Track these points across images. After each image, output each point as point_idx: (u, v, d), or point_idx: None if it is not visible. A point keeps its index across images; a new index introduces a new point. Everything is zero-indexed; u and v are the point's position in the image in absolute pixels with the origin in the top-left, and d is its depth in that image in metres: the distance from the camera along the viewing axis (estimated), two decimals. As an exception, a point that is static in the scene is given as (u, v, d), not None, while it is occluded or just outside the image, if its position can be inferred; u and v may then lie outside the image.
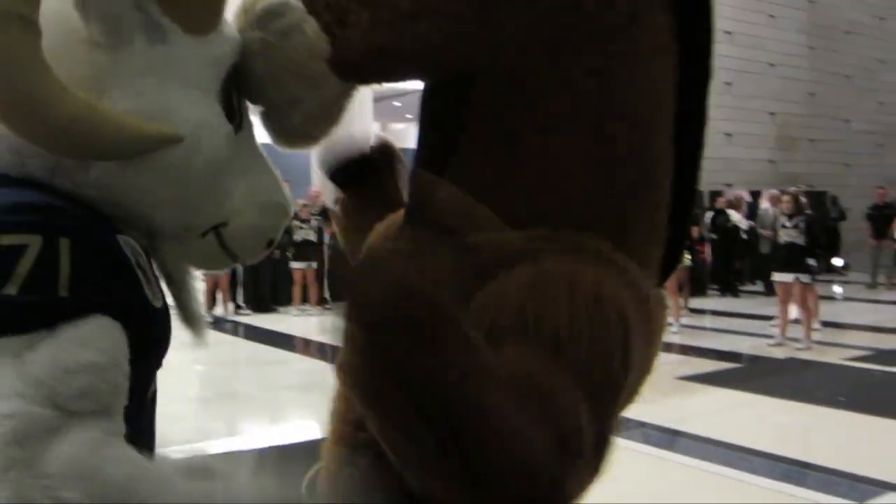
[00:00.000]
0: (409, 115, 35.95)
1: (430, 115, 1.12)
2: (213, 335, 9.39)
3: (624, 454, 3.84)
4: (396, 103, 31.52)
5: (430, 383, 0.78)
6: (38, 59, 0.89)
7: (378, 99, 19.12)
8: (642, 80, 1.06)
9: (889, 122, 19.15)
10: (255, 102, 1.16)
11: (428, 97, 1.11)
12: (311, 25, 1.05)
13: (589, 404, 0.88)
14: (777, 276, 9.07)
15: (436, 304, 0.81)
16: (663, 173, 1.09)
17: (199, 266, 1.19)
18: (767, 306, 12.03)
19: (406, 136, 40.42)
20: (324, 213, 12.68)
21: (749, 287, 14.35)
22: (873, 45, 19.73)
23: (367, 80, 1.17)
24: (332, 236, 12.87)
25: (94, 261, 0.90)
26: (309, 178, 16.43)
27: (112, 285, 0.91)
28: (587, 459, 0.89)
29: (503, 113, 1.03)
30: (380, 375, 0.81)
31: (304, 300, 12.34)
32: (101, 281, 0.90)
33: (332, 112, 1.16)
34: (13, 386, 0.82)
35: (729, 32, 15.47)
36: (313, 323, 11.64)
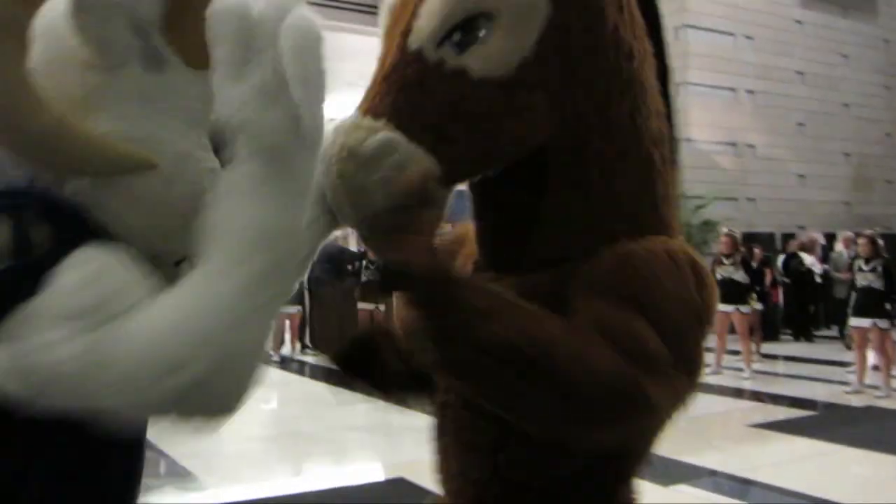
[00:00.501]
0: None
1: (506, 187, 1.26)
2: (279, 374, 9.67)
3: (695, 502, 3.76)
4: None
5: (502, 343, 1.03)
6: (19, 67, 0.90)
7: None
8: (652, 101, 1.31)
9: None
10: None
11: (499, 175, 1.24)
12: (419, 152, 1.11)
13: (668, 339, 1.12)
14: (854, 322, 8.81)
15: (478, 287, 1.10)
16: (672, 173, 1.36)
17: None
18: (843, 352, 11.65)
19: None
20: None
21: (824, 332, 13.93)
22: (952, 86, 19.26)
23: (466, 180, 1.27)
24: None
25: (67, 228, 0.94)
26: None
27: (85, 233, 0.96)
28: (666, 373, 1.10)
29: (572, 170, 1.23)
30: (467, 353, 1.06)
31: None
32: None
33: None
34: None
35: (801, 73, 15.27)
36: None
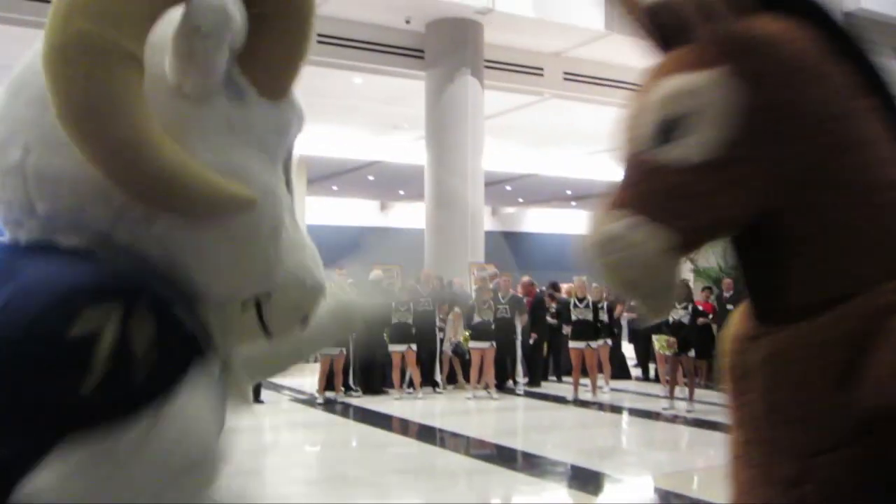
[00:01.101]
0: (520, 199, 36.26)
1: (752, 255, 1.48)
2: (324, 417, 9.73)
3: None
4: (508, 187, 31.88)
5: None
6: (141, 102, 0.86)
7: (489, 183, 19.41)
8: (878, 150, 1.42)
9: None
10: None
11: (741, 240, 1.48)
12: (659, 228, 1.34)
13: None
14: None
15: None
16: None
17: (238, 343, 1.11)
18: None
19: (516, 219, 40.60)
20: (435, 296, 12.83)
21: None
22: None
23: (703, 246, 1.51)
24: (443, 318, 13.01)
25: (167, 328, 0.86)
26: (420, 261, 16.70)
27: (177, 367, 0.87)
28: None
29: (804, 218, 1.39)
30: None
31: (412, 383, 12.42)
32: (170, 366, 0.85)
33: None
34: (126, 480, 0.81)
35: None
36: (418, 406, 11.66)
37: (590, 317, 11.85)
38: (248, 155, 0.99)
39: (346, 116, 21.67)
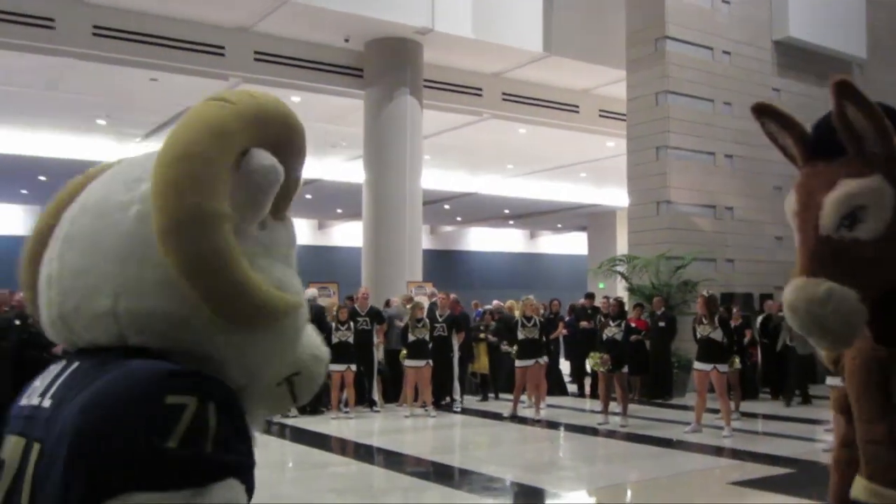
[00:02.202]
0: (458, 218, 36.47)
1: (887, 294, 2.01)
2: (259, 437, 9.59)
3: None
4: (446, 206, 32.05)
5: None
6: (238, 251, 1.08)
7: (428, 202, 19.53)
8: None
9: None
10: None
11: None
12: (849, 290, 1.87)
13: None
14: (830, 381, 8.91)
15: None
16: None
17: (266, 410, 1.30)
18: (820, 410, 11.73)
19: (454, 237, 40.67)
20: (372, 314, 12.84)
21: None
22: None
23: (872, 298, 1.98)
24: (384, 336, 13.00)
25: (232, 425, 1.03)
26: (357, 279, 16.67)
27: (243, 449, 1.05)
28: None
29: None
30: None
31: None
32: (237, 445, 1.04)
33: None
34: None
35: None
36: (353, 425, 11.63)
37: (536, 335, 12.04)
38: (280, 269, 1.22)
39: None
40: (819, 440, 9.88)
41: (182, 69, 15.34)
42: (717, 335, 10.25)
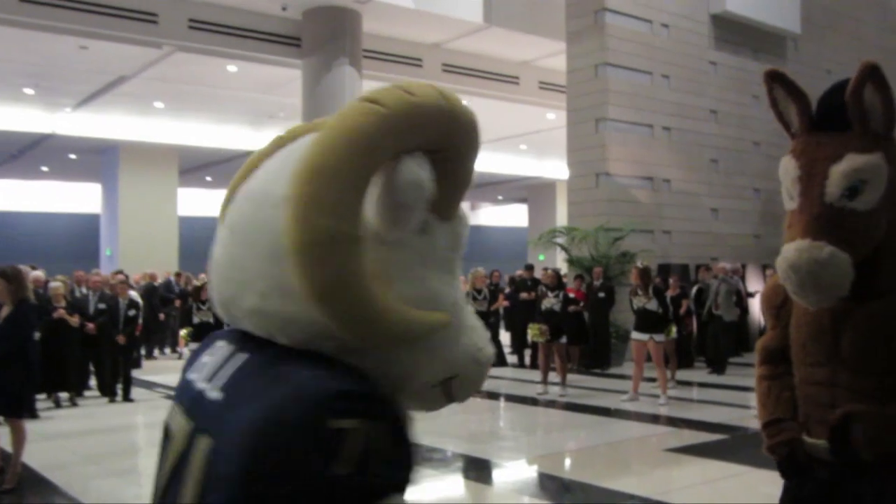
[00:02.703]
0: (499, 197, 36.21)
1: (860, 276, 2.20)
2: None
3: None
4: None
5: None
6: (367, 273, 1.02)
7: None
8: None
9: None
10: None
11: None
12: (844, 254, 2.13)
13: None
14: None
15: None
16: None
17: (419, 408, 1.26)
18: (752, 378, 12.01)
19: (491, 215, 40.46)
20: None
21: (735, 359, 14.36)
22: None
23: (860, 260, 2.22)
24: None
25: (400, 446, 1.03)
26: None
27: (407, 464, 1.04)
28: None
29: (892, 242, 2.26)
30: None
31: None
32: (404, 464, 1.03)
33: None
34: None
35: (714, 112, 15.88)
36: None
37: (485, 308, 12.26)
38: (436, 278, 1.15)
39: (221, 105, 21.18)
40: (751, 406, 10.13)
41: (113, 36, 14.88)
42: (653, 305, 10.42)
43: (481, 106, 21.26)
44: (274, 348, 1.10)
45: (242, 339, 1.16)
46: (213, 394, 1.11)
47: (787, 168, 2.31)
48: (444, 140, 1.11)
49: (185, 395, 1.17)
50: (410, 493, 1.04)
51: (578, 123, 15.70)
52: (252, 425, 0.98)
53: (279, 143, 1.23)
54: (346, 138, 1.02)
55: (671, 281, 13.32)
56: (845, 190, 2.16)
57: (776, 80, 2.36)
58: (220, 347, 1.19)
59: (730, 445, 7.88)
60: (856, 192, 2.16)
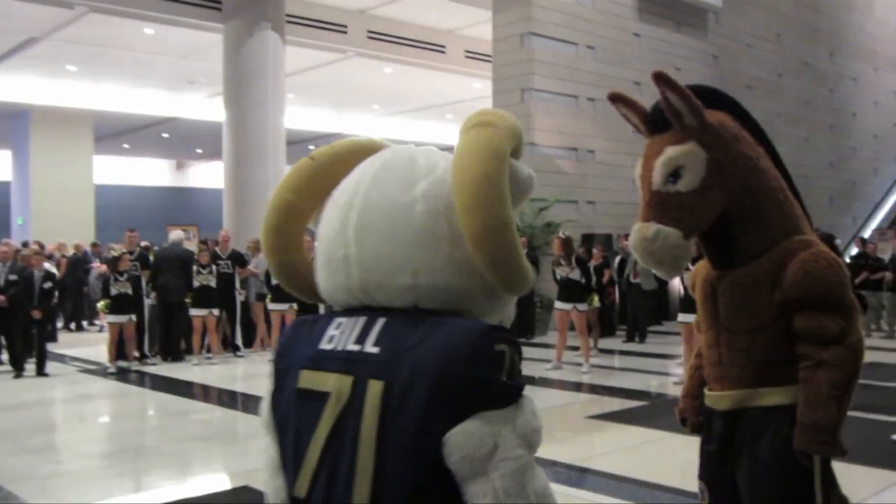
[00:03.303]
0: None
1: (712, 232, 2.60)
2: (117, 386, 9.23)
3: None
4: (311, 147, 31.47)
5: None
6: (520, 244, 1.47)
7: (292, 143, 19.02)
8: (770, 172, 2.65)
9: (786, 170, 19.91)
10: None
11: (707, 229, 2.60)
12: (672, 230, 2.47)
13: (850, 316, 2.48)
14: (682, 318, 9.34)
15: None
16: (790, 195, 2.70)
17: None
18: (672, 346, 12.33)
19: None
20: (234, 256, 12.51)
21: (654, 327, 14.69)
22: (772, 100, 20.67)
23: (694, 236, 2.60)
24: (244, 281, 12.70)
25: (520, 360, 1.41)
26: (219, 222, 16.20)
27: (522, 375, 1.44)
28: (853, 324, 2.49)
29: (742, 211, 2.57)
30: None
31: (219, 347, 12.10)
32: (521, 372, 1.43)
33: None
34: (515, 439, 1.34)
35: (638, 83, 16.03)
36: (216, 371, 11.39)
37: (576, 276, 12.02)
38: None
39: (138, 69, 20.48)
40: (671, 374, 10.39)
41: (22, -4, 14.24)
42: (576, 275, 10.54)
43: (406, 74, 21.09)
44: (408, 313, 1.44)
45: (366, 313, 1.48)
46: (371, 349, 1.40)
47: (636, 168, 2.68)
48: (518, 147, 1.54)
49: (331, 359, 1.44)
50: None
51: (504, 93, 15.70)
52: (438, 356, 1.34)
53: (341, 159, 1.65)
54: (492, 151, 1.44)
55: (594, 251, 13.49)
56: (667, 177, 2.51)
57: (617, 101, 2.73)
58: (345, 322, 1.48)
59: (650, 412, 8.05)
60: (677, 177, 2.50)
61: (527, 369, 10.64)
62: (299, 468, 1.43)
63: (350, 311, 1.51)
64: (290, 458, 1.46)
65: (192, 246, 13.20)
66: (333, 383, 1.41)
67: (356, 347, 1.42)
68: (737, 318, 2.61)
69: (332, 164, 1.64)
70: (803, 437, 2.42)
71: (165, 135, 27.61)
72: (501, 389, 1.36)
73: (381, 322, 1.44)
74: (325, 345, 1.47)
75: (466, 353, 1.34)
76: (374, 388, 1.36)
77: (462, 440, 1.32)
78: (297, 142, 26.16)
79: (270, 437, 1.53)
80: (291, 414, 1.47)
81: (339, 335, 1.46)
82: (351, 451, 1.36)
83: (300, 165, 1.67)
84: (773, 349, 2.55)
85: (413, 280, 1.44)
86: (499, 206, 1.39)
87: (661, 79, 2.46)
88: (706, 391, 2.78)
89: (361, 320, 1.46)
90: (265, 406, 1.55)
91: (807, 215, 2.77)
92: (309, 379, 1.45)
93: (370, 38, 18.68)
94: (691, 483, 2.86)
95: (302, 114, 24.53)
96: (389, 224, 1.46)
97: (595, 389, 9.54)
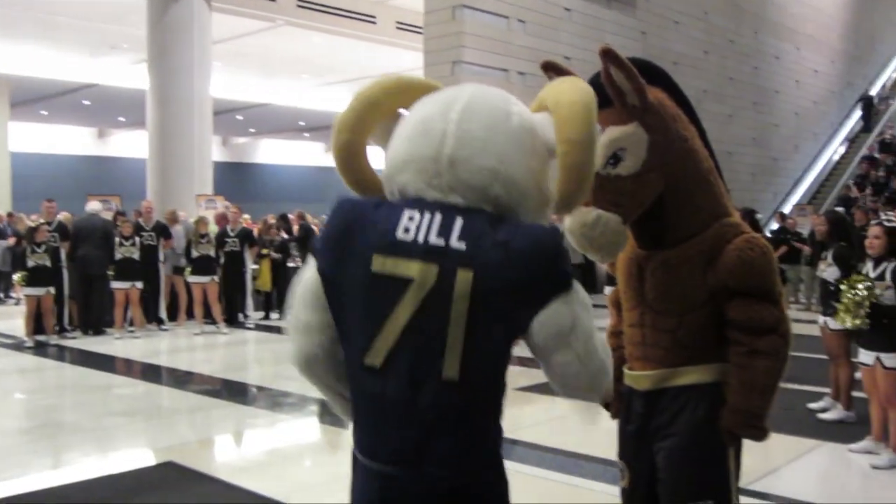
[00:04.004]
0: (251, 129, 35.28)
1: (644, 212, 2.49)
2: (35, 361, 8.96)
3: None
4: (239, 116, 30.86)
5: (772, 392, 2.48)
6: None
7: (219, 112, 18.70)
8: (702, 153, 2.61)
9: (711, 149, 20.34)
10: None
11: (644, 212, 2.51)
12: (612, 215, 2.37)
13: (780, 303, 2.50)
14: (608, 291, 9.46)
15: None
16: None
17: None
18: (602, 318, 12.50)
19: (248, 149, 39.49)
20: (158, 228, 12.22)
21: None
22: (698, 76, 21.02)
23: (633, 218, 2.49)
24: (167, 254, 12.43)
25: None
26: (143, 192, 15.80)
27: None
28: (781, 310, 2.51)
29: (677, 193, 2.51)
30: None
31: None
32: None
33: None
34: (583, 312, 1.67)
35: (568, 58, 16.08)
36: (139, 345, 11.15)
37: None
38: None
39: (56, 33, 19.75)
40: (598, 346, 10.54)
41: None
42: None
43: (337, 45, 20.81)
44: (481, 213, 1.65)
45: (439, 208, 1.65)
46: (457, 244, 1.59)
47: None
48: None
49: (411, 249, 1.60)
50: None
51: (435, 65, 15.60)
52: (527, 253, 1.59)
53: (407, 93, 1.89)
54: (589, 92, 1.79)
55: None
56: (608, 159, 2.42)
57: (550, 70, 2.63)
58: (417, 215, 1.64)
59: (578, 385, 8.15)
60: (618, 160, 2.42)
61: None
62: (371, 342, 1.61)
63: (419, 204, 1.67)
64: (356, 332, 1.64)
65: (109, 215, 12.80)
66: (418, 270, 1.58)
67: (440, 241, 1.60)
68: (665, 299, 2.57)
69: (390, 97, 1.88)
70: (735, 419, 2.44)
71: (86, 102, 26.75)
72: (566, 276, 1.65)
73: (459, 221, 1.62)
74: (401, 235, 1.62)
75: (552, 251, 1.62)
76: (464, 276, 1.57)
77: (552, 321, 1.62)
78: (224, 111, 25.66)
79: (307, 307, 1.72)
80: (360, 293, 1.63)
81: (415, 228, 1.63)
82: (439, 330, 1.57)
83: (377, 92, 1.89)
84: (699, 331, 2.53)
85: (496, 164, 1.66)
86: (593, 126, 1.73)
87: (608, 55, 2.36)
88: (626, 370, 2.75)
89: (438, 217, 1.63)
90: (311, 281, 1.72)
91: (728, 194, 2.74)
92: (386, 264, 1.61)
93: (300, 6, 18.35)
94: (615, 453, 2.88)
95: (230, 82, 24.01)
96: (489, 119, 1.71)
97: (523, 361, 9.48)
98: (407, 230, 1.62)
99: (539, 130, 1.78)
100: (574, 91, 1.79)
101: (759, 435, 2.46)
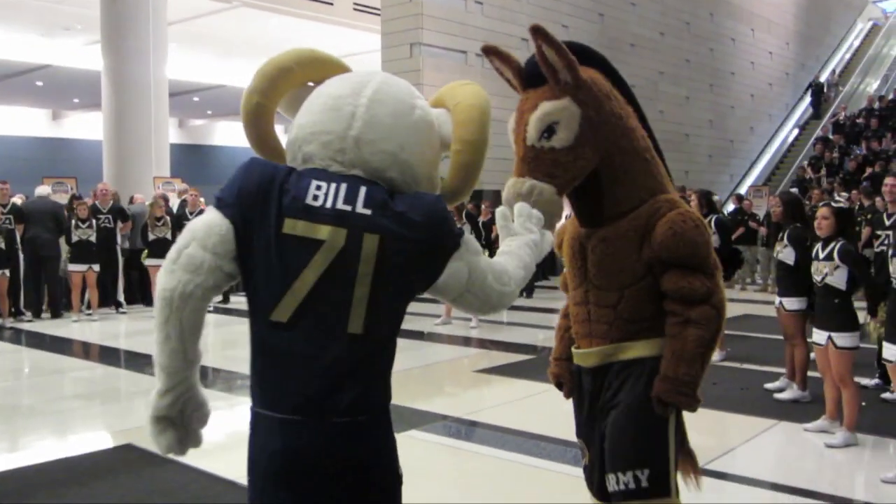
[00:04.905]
0: (209, 111, 34.84)
1: (581, 189, 2.63)
2: (-10, 345, 8.50)
3: (426, 447, 4.03)
4: (195, 98, 30.48)
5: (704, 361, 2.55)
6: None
7: (175, 94, 18.47)
8: (638, 131, 2.70)
9: (667, 130, 20.58)
10: None
11: (577, 186, 2.63)
12: (546, 185, 2.49)
13: (714, 276, 2.58)
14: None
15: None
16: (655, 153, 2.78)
17: None
18: (560, 300, 12.64)
19: (205, 132, 38.93)
20: (115, 211, 12.09)
21: (542, 283, 15.02)
22: (655, 58, 21.20)
23: (568, 190, 2.61)
24: (125, 236, 12.31)
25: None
26: (99, 175, 15.60)
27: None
28: (715, 283, 2.57)
29: (612, 169, 2.61)
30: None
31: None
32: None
33: None
34: (475, 258, 1.89)
35: (526, 40, 16.10)
36: (97, 328, 11.06)
37: None
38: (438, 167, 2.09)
39: (8, 12, 19.32)
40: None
41: None
42: (465, 230, 10.66)
43: (294, 27, 20.62)
44: (379, 185, 1.80)
45: (344, 178, 1.79)
46: (363, 210, 1.73)
47: (510, 123, 2.70)
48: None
49: (321, 213, 1.73)
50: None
51: (393, 47, 15.57)
52: (425, 218, 1.77)
53: (322, 68, 2.10)
54: (486, 100, 2.07)
55: (483, 206, 13.63)
56: (541, 132, 2.53)
57: (491, 54, 2.74)
58: (324, 184, 1.76)
59: (536, 365, 8.23)
60: (552, 132, 2.52)
61: (416, 325, 10.80)
62: (279, 298, 1.71)
63: (324, 175, 1.79)
64: (261, 289, 1.74)
65: (62, 199, 12.64)
66: (328, 233, 1.71)
67: (347, 207, 1.73)
68: (605, 275, 2.64)
69: (303, 68, 2.06)
70: (665, 386, 2.49)
71: (39, 83, 26.23)
72: (460, 234, 1.86)
73: (364, 189, 1.77)
74: (310, 201, 1.74)
75: (442, 217, 1.81)
76: (370, 240, 1.71)
77: (453, 279, 1.85)
78: (180, 92, 25.32)
79: (206, 249, 1.74)
80: (268, 252, 1.72)
81: (323, 195, 1.75)
82: (346, 288, 1.70)
83: (266, 71, 2.06)
84: (639, 305, 2.60)
85: (397, 150, 1.84)
86: (486, 131, 2.02)
87: (538, 33, 2.46)
88: (574, 349, 2.83)
89: (343, 185, 1.77)
90: (218, 225, 1.75)
91: (669, 175, 2.81)
92: (297, 226, 1.72)
93: (256, -14, 18.15)
94: (570, 433, 2.93)
95: (186, 64, 23.69)
96: (396, 107, 1.88)
97: (483, 344, 9.72)
98: (315, 197, 1.74)
99: (437, 125, 2.00)
100: (474, 96, 2.03)
101: (689, 403, 2.51)
